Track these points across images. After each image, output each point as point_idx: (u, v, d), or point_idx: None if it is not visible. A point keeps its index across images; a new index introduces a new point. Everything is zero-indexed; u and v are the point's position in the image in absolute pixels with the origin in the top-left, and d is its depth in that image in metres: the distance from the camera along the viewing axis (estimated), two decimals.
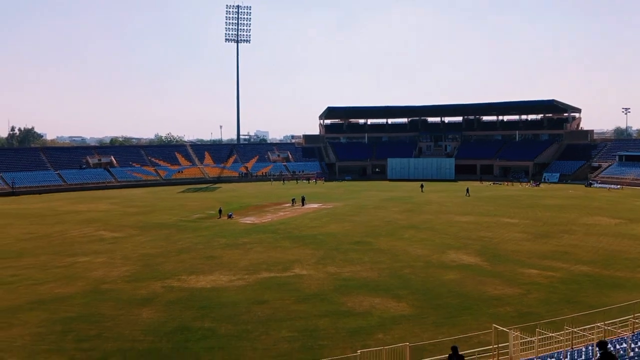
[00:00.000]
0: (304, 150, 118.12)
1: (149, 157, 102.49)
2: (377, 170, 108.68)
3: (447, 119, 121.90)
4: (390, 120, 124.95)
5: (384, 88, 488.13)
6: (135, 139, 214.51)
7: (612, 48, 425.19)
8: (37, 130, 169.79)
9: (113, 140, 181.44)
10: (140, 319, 21.16)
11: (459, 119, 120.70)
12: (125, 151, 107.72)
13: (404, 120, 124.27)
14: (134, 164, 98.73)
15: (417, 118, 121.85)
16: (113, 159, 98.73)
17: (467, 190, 69.83)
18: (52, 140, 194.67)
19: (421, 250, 34.02)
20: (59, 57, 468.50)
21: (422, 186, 77.00)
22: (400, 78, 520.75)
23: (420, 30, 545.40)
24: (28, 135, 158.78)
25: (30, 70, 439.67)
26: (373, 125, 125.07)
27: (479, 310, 21.91)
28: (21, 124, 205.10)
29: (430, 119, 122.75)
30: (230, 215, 49.52)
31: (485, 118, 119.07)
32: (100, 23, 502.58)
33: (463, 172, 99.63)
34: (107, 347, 18.32)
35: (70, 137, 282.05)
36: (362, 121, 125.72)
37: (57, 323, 20.69)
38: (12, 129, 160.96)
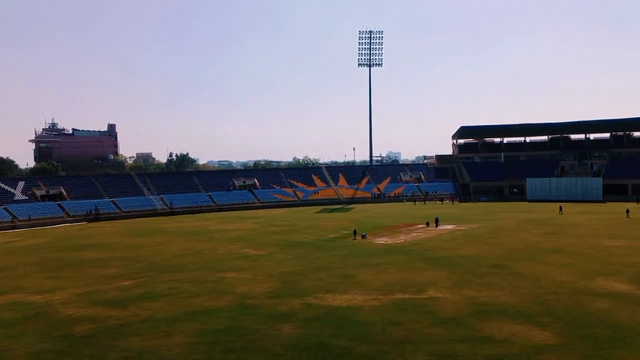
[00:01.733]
0: (437, 171, 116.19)
1: (288, 179, 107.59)
2: (514, 190, 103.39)
3: (592, 136, 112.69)
4: (528, 139, 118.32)
5: (520, 105, 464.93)
6: (275, 162, 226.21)
7: None
8: (191, 155, 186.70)
9: (256, 164, 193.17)
10: (281, 334, 22.40)
11: (606, 135, 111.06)
12: (266, 174, 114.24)
13: (544, 138, 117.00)
14: (274, 186, 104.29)
15: (559, 135, 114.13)
16: (256, 181, 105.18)
17: (627, 211, 64.11)
18: (203, 165, 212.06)
19: (566, 275, 31.86)
20: (207, 86, 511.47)
21: (560, 208, 71.58)
22: (538, 95, 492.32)
23: (559, 45, 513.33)
24: (183, 160, 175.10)
25: (184, 99, 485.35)
26: (510, 144, 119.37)
27: (634, 342, 20.07)
28: (177, 150, 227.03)
29: (573, 136, 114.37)
30: (364, 235, 50.32)
31: (636, 134, 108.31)
32: (242, 53, 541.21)
33: (612, 192, 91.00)
34: (251, 359, 19.65)
35: (219, 161, 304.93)
36: (497, 140, 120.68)
37: (207, 334, 22.60)
38: (170, 154, 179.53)
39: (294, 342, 21.17)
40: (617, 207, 77.50)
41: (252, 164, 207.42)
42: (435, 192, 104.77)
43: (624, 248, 41.05)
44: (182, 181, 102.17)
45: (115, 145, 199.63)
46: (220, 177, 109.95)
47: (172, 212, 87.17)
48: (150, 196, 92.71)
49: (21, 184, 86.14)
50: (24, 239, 59.50)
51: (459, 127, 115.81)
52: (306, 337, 21.85)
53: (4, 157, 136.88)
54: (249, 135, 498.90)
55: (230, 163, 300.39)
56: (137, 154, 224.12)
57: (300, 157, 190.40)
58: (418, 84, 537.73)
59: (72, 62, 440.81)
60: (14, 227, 71.40)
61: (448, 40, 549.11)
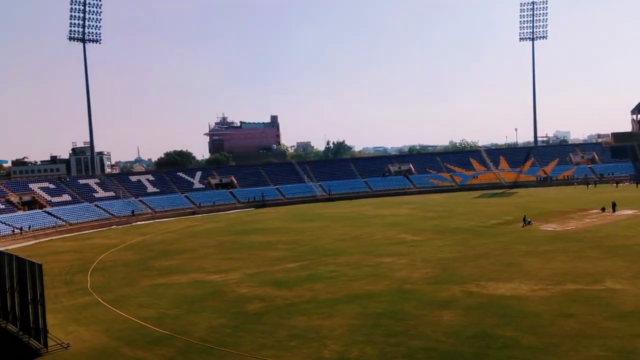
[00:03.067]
0: (613, 150, 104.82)
1: (444, 164, 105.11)
2: None
3: None
4: None
5: None
6: (431, 146, 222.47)
7: None
8: (347, 142, 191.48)
9: (411, 149, 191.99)
10: (441, 320, 22.15)
11: None
12: (422, 159, 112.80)
13: None
14: (430, 171, 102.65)
15: None
16: (411, 166, 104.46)
17: None
18: (359, 152, 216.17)
19: None
20: (360, 74, 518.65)
21: None
22: None
23: None
24: (340, 147, 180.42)
25: (340, 88, 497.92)
26: None
27: None
28: (334, 138, 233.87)
29: None
30: (529, 221, 47.38)
31: None
32: (394, 38, 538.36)
33: None
34: (412, 344, 19.69)
35: (374, 147, 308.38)
36: None
37: (368, 317, 23.14)
38: (328, 142, 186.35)
39: (456, 330, 20.81)
40: None
41: (407, 149, 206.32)
42: (612, 174, 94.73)
43: None
44: (339, 168, 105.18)
45: (278, 136, 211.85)
46: (375, 163, 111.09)
47: (330, 198, 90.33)
48: (310, 183, 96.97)
49: (199, 174, 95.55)
50: (203, 224, 66.11)
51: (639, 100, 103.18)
52: (468, 325, 21.34)
53: (184, 150, 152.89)
54: (403, 120, 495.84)
55: (385, 149, 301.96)
56: (297, 143, 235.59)
57: (457, 141, 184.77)
58: (588, 55, 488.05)
59: (239, 60, 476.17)
60: (193, 213, 79.60)
61: (623, 5, 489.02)
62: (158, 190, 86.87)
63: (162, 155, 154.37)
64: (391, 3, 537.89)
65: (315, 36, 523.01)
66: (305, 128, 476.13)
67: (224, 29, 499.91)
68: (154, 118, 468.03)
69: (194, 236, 54.54)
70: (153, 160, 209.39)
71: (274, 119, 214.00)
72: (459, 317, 22.35)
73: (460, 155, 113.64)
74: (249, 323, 23.31)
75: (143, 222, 71.86)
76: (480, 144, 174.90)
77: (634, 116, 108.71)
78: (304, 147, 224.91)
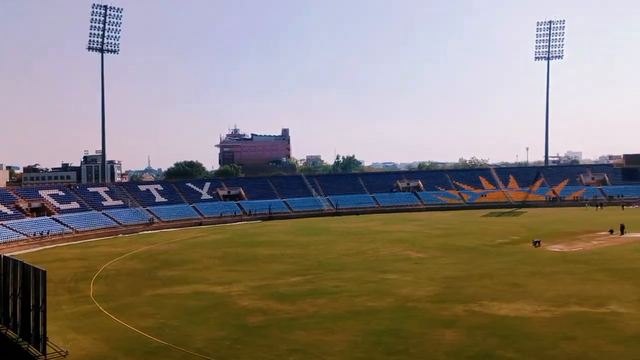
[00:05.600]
0: (624, 172, 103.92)
1: (453, 181, 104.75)
2: None
3: None
4: None
5: None
6: (441, 163, 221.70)
7: None
8: (357, 157, 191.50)
9: (420, 165, 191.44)
10: (443, 339, 21.96)
11: None
12: (431, 175, 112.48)
13: None
14: (439, 188, 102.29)
15: None
16: (420, 183, 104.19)
17: None
18: (368, 167, 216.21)
19: None
20: (372, 89, 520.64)
21: None
22: None
23: None
24: (349, 162, 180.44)
25: (350, 102, 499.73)
26: None
27: None
28: (344, 152, 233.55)
29: None
30: (537, 242, 46.97)
31: None
32: (406, 53, 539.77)
33: None
34: None
35: (383, 162, 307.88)
36: None
37: (369, 334, 22.99)
38: (337, 157, 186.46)
39: (457, 350, 20.63)
40: None
41: (416, 166, 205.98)
42: (622, 196, 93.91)
43: None
44: (348, 182, 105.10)
45: (288, 149, 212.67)
46: (384, 178, 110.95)
47: (337, 213, 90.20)
48: (318, 197, 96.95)
49: (207, 185, 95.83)
50: (209, 235, 66.21)
51: None
52: (470, 345, 21.16)
53: (194, 160, 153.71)
54: (414, 136, 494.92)
55: (394, 165, 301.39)
56: (307, 156, 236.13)
57: (467, 158, 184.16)
58: (603, 76, 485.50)
59: (253, 72, 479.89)
60: (200, 224, 79.76)
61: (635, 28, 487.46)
62: (166, 200, 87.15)
63: (172, 166, 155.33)
64: (408, 20, 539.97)
65: (331, 50, 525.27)
66: (315, 142, 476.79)
67: (239, 41, 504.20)
68: (166, 128, 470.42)
69: (199, 247, 54.60)
70: (163, 170, 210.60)
71: (285, 132, 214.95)
72: (461, 337, 22.16)
73: (470, 173, 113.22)
74: (249, 336, 23.23)
75: (149, 232, 72.08)
76: (490, 162, 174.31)
77: None
78: (314, 160, 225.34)
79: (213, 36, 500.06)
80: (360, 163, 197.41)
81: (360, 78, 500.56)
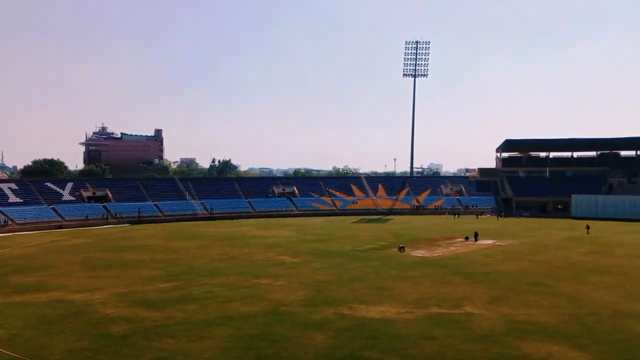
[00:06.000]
0: (479, 184, 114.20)
1: (327, 188, 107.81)
2: (559, 207, 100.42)
3: None
4: (576, 154, 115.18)
5: (568, 119, 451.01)
6: (316, 170, 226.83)
7: None
8: (234, 162, 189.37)
9: (296, 172, 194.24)
10: (313, 342, 22.40)
11: None
12: (306, 182, 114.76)
13: (593, 153, 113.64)
14: (313, 194, 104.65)
15: (608, 151, 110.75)
16: (295, 189, 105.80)
17: (588, 227, 67.62)
18: (244, 171, 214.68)
19: (609, 297, 30.73)
20: (251, 94, 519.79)
21: (588, 227, 67.94)
22: (587, 109, 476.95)
23: (610, 59, 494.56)
24: (226, 166, 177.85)
25: (228, 106, 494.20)
26: (556, 159, 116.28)
27: None
28: (221, 156, 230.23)
29: (624, 153, 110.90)
30: (402, 247, 49.81)
31: None
32: (287, 61, 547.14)
33: None
34: None
35: (260, 168, 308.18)
36: (543, 154, 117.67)
37: (241, 339, 22.78)
38: (213, 160, 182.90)
39: (326, 352, 21.15)
40: None
41: (292, 172, 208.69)
42: (476, 206, 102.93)
43: None
44: (223, 187, 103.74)
45: (161, 150, 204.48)
46: (260, 184, 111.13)
47: (211, 217, 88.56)
48: (192, 201, 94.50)
49: (69, 185, 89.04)
50: (70, 239, 61.52)
51: (503, 140, 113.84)
52: (338, 347, 21.79)
53: (55, 158, 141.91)
54: (291, 144, 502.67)
55: (271, 170, 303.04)
56: (181, 159, 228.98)
57: (341, 167, 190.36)
58: (463, 96, 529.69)
59: (125, 68, 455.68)
60: (60, 227, 73.90)
61: (495, 51, 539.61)
62: (21, 200, 79.58)
63: (30, 163, 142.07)
64: (288, 29, 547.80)
65: (209, 51, 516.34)
66: (191, 145, 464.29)
67: (111, 35, 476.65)
68: (24, 122, 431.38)
69: (58, 252, 50.53)
70: (19, 167, 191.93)
71: (158, 132, 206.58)
72: (330, 339, 22.75)
73: (342, 181, 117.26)
74: (112, 346, 21.90)
75: (1, 235, 65.34)
76: (361, 171, 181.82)
77: (498, 154, 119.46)
78: (188, 163, 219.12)
79: (83, 29, 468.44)
80: (237, 167, 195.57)
81: (239, 82, 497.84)
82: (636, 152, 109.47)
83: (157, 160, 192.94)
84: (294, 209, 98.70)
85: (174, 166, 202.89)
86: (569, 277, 36.87)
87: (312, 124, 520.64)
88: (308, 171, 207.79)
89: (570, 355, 20.87)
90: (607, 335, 23.40)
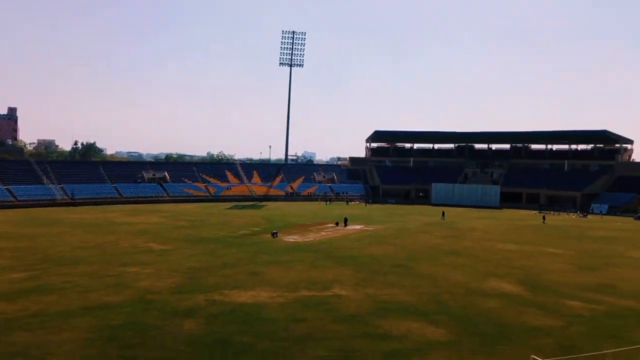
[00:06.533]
0: (349, 172, 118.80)
1: (200, 174, 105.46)
2: (421, 194, 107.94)
3: (494, 146, 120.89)
4: (436, 146, 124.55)
5: (432, 113, 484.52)
6: (189, 155, 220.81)
7: None
8: (99, 145, 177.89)
9: (168, 157, 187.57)
10: (182, 330, 21.96)
11: (507, 146, 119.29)
12: (178, 167, 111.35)
13: (451, 146, 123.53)
14: (185, 180, 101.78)
15: (464, 144, 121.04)
16: (167, 174, 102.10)
17: (544, 218, 73.02)
18: (111, 155, 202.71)
19: (462, 276, 33.75)
20: (119, 75, 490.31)
21: (443, 213, 74.03)
22: (449, 103, 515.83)
23: (473, 59, 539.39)
24: (90, 149, 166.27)
25: (93, 87, 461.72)
26: (419, 150, 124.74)
27: (519, 340, 21.62)
28: (84, 139, 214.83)
29: (478, 146, 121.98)
30: (275, 233, 50.35)
31: (533, 146, 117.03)
32: (159, 43, 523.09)
33: (508, 200, 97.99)
34: (149, 355, 19.08)
35: (128, 152, 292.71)
36: (408, 145, 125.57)
37: (104, 330, 21.67)
38: (75, 143, 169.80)
39: (196, 339, 20.86)
40: (512, 214, 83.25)
41: (163, 157, 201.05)
42: (347, 193, 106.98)
43: (515, 252, 44.12)
44: (86, 171, 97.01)
45: (15, 130, 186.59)
46: (128, 168, 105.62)
47: (72, 203, 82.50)
48: (50, 185, 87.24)
49: None
50: None
51: (373, 131, 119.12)
52: (208, 333, 21.59)
53: None
54: (162, 128, 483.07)
55: (140, 155, 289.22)
56: (38, 140, 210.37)
57: (215, 153, 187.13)
58: (337, 87, 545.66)
59: None
60: None
61: (369, 45, 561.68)
62: None
63: None
64: (161, 9, 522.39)
65: (69, 25, 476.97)
66: (50, 126, 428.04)
67: None
68: None
69: None
70: None
71: (13, 111, 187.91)
72: (201, 326, 22.46)
73: (217, 167, 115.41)
74: None
75: None
76: (236, 157, 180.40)
77: (368, 144, 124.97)
78: (47, 145, 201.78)
79: None
80: (102, 151, 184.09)
81: (104, 62, 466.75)
82: (488, 146, 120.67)
83: (10, 141, 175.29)
84: (165, 195, 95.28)
85: (30, 148, 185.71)
86: (428, 259, 39.83)
87: (185, 109, 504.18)
88: (181, 156, 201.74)
89: (427, 330, 22.61)
90: (460, 311, 25.67)
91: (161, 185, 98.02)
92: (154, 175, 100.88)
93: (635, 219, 79.37)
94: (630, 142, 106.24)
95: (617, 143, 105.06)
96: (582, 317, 25.11)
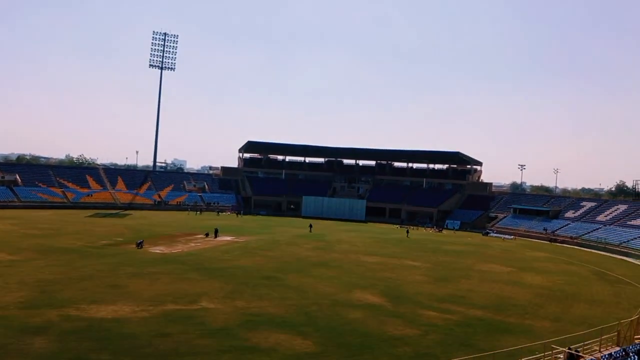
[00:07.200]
0: (221, 182, 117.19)
1: (57, 178, 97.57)
2: (292, 206, 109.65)
3: (361, 162, 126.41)
4: (308, 159, 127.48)
5: (304, 127, 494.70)
6: (44, 158, 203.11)
7: (509, 110, 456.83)
8: None
9: (20, 158, 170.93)
10: (32, 348, 20.13)
11: (372, 162, 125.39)
12: (32, 170, 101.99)
13: (321, 160, 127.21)
14: (40, 184, 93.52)
15: (334, 159, 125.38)
16: (18, 177, 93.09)
17: (407, 232, 78.70)
18: None
19: (329, 288, 34.80)
20: None
21: (310, 226, 76.16)
22: (322, 117, 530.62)
23: (344, 73, 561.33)
24: None
25: None
26: (291, 163, 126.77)
27: (380, 349, 22.76)
28: None
29: (346, 161, 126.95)
30: (140, 243, 48.06)
31: (396, 164, 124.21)
32: (14, 31, 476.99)
33: (373, 214, 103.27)
34: None
35: None
36: (280, 157, 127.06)
37: None
38: None
39: (47, 358, 19.26)
40: (376, 227, 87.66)
41: (14, 158, 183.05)
42: (218, 203, 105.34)
43: (378, 264, 46.48)
44: None
45: None
46: None
47: None
48: None
49: None
50: None
51: (246, 141, 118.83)
52: (62, 352, 20.03)
53: None
54: (14, 125, 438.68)
55: None
56: None
57: (75, 155, 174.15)
58: (210, 94, 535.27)
59: None
60: None
61: (246, 54, 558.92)
62: None
63: None
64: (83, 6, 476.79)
65: None
66: None
67: None
68: None
69: None
70: None
71: None
72: (53, 344, 20.77)
73: (77, 171, 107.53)
74: None
75: None
76: (99, 161, 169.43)
77: (240, 154, 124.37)
78: None
79: None
80: None
81: None
82: (355, 161, 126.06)
83: None
84: (16, 199, 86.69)
85: None
86: (297, 270, 40.56)
87: (40, 106, 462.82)
88: (35, 158, 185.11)
89: (295, 342, 22.98)
90: (326, 322, 26.44)
91: (11, 189, 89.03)
92: (3, 177, 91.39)
93: (483, 234, 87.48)
94: (480, 163, 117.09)
95: (469, 164, 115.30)
96: (437, 326, 27.12)
